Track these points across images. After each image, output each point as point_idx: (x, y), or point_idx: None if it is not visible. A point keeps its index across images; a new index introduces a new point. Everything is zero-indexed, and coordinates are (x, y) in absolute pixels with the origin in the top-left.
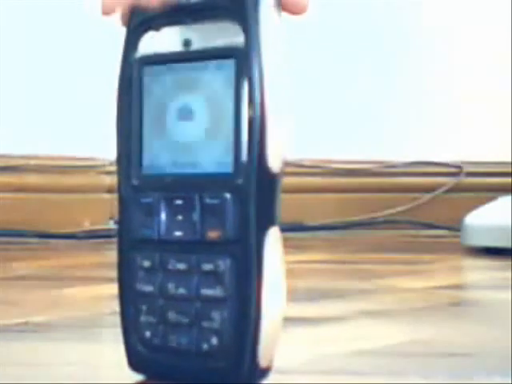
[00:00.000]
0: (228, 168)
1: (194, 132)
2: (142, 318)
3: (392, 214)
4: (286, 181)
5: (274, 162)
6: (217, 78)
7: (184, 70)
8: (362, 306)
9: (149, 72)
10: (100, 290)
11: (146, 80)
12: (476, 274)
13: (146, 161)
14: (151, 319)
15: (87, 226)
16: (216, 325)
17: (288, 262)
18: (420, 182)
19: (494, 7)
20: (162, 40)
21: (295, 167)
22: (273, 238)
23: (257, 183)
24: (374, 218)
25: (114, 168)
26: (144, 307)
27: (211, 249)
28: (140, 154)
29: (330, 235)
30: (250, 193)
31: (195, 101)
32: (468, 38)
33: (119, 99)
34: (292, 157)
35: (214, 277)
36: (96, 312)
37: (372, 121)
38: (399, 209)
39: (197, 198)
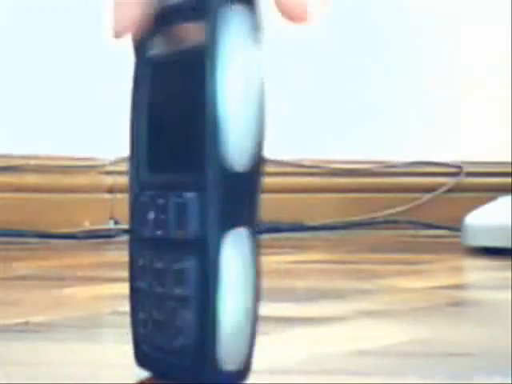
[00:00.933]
0: (195, 167)
1: (178, 132)
2: (139, 315)
3: (392, 214)
4: (286, 181)
5: (237, 162)
6: (190, 79)
7: (170, 71)
8: (362, 306)
9: (148, 73)
10: (100, 289)
11: (146, 80)
12: (476, 274)
13: (149, 160)
14: (143, 316)
15: (87, 225)
16: (183, 324)
17: (288, 262)
18: (420, 181)
19: (494, 7)
20: (161, 41)
21: (295, 167)
22: (238, 238)
23: (218, 183)
24: (374, 217)
25: (113, 168)
26: (140, 304)
27: (181, 248)
28: (145, 154)
29: (330, 235)
30: (211, 192)
31: (179, 101)
32: (468, 37)
33: (131, 99)
34: (292, 157)
35: (182, 276)
36: (96, 312)
37: (372, 121)
38: (399, 209)
39: (172, 197)
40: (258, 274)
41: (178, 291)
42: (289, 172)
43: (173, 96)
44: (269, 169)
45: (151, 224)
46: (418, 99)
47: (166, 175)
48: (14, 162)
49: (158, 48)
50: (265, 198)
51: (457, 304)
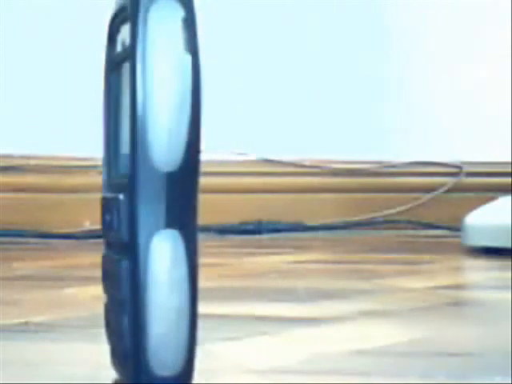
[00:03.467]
0: (126, 168)
1: (121, 133)
2: (106, 317)
3: (392, 214)
4: (286, 181)
5: (162, 162)
6: (125, 79)
7: (117, 72)
8: (362, 306)
9: (109, 73)
10: (100, 290)
11: (108, 81)
12: (476, 274)
13: (107, 162)
14: (108, 318)
15: (87, 225)
16: (122, 329)
17: (288, 262)
18: (420, 181)
19: (493, 10)
20: (118, 41)
21: (295, 167)
22: (168, 240)
23: (146, 184)
24: (373, 217)
25: None
26: (105, 307)
27: (120, 251)
28: (105, 155)
29: (329, 235)
30: (136, 193)
31: (120, 102)
32: (468, 37)
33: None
34: (292, 157)
35: (119, 280)
36: (96, 312)
37: (372, 121)
38: (399, 209)
39: (113, 199)
40: (193, 274)
41: (118, 295)
42: (289, 172)
43: (118, 97)
44: (269, 169)
45: (106, 226)
46: (418, 99)
47: (115, 177)
48: (14, 162)
49: (117, 48)
50: (266, 198)
51: (457, 304)
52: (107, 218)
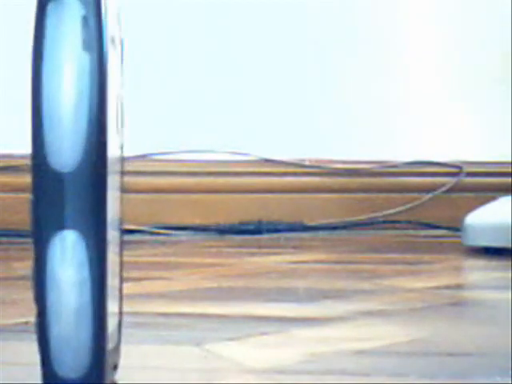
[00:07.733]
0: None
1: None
2: None
3: (392, 214)
4: (286, 181)
5: (59, 162)
6: None
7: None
8: (362, 306)
9: None
10: None
11: None
12: (476, 274)
13: None
14: None
15: None
16: (36, 330)
17: (288, 262)
18: (420, 182)
19: (493, 5)
20: None
21: (295, 167)
22: (65, 241)
23: (43, 184)
24: (373, 217)
25: None
26: None
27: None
28: None
29: (330, 235)
30: (37, 194)
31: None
32: (467, 37)
33: None
34: (292, 157)
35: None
36: None
37: (372, 121)
38: (399, 209)
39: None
40: (98, 275)
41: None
42: (289, 172)
43: None
44: (269, 169)
45: None
46: (418, 99)
47: None
48: (13, 162)
49: None
50: (266, 198)
51: (457, 304)
52: None
